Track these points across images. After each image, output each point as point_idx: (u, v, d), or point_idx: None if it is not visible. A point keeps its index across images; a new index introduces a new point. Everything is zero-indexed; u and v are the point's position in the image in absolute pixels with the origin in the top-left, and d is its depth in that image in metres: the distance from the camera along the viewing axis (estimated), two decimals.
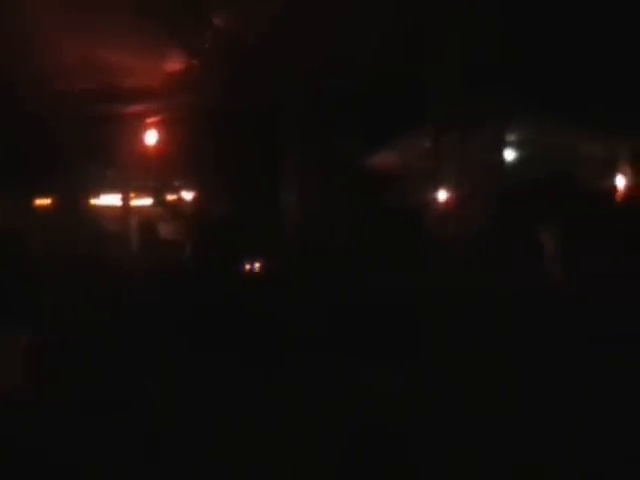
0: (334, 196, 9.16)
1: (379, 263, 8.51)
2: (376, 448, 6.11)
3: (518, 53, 8.32)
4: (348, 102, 8.76)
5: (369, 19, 8.29)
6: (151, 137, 9.37)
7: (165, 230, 9.52)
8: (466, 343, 7.55)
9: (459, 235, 8.63)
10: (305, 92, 8.96)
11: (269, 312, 7.96)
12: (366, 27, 8.34)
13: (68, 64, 8.30)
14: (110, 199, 9.59)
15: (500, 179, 8.92)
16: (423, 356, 7.25)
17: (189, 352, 7.24)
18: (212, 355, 7.20)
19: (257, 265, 9.00)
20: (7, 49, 8.03)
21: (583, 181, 8.94)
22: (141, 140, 9.36)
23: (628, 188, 9.08)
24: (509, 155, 9.19)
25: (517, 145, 9.18)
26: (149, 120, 9.42)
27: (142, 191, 9.74)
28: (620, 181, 9.17)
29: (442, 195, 8.82)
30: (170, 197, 9.78)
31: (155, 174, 9.56)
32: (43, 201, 9.24)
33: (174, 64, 9.03)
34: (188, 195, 9.78)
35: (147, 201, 9.74)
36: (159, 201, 9.67)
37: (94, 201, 9.47)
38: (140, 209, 9.70)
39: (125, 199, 9.69)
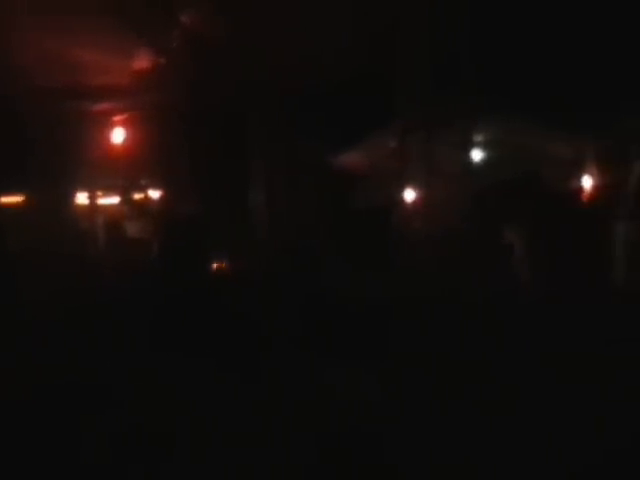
0: (302, 196, 9.16)
1: (347, 263, 8.52)
2: (347, 449, 6.11)
3: (485, 54, 8.35)
4: (316, 102, 8.76)
5: (336, 19, 8.29)
6: (118, 135, 9.32)
7: (132, 228, 9.48)
8: (436, 343, 7.58)
9: (426, 234, 8.66)
10: (273, 92, 8.94)
11: (236, 311, 7.94)
12: (333, 27, 8.33)
13: (35, 62, 8.23)
14: (78, 197, 9.54)
15: (467, 179, 8.95)
16: (393, 356, 7.26)
17: (154, 352, 7.21)
18: (178, 355, 7.17)
19: (225, 264, 8.97)
20: None
21: (550, 181, 8.99)
22: (108, 138, 9.30)
23: (594, 188, 9.14)
24: (477, 155, 9.22)
25: (484, 145, 9.21)
26: (116, 118, 9.37)
27: (109, 189, 9.69)
28: (587, 181, 9.23)
29: (409, 195, 8.84)
30: (137, 195, 9.74)
31: (122, 172, 9.51)
32: (10, 198, 9.17)
33: (142, 62, 8.98)
34: (155, 194, 9.74)
35: (114, 199, 9.70)
36: (126, 199, 9.63)
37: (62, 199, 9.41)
38: (107, 207, 9.66)
39: (92, 197, 9.64)
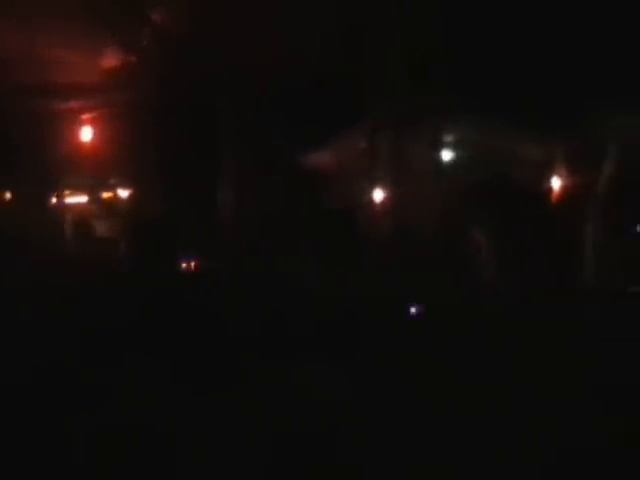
0: (272, 196, 9.13)
1: (317, 262, 8.52)
2: (315, 448, 6.11)
3: (455, 54, 8.35)
4: (285, 101, 8.73)
5: (306, 18, 8.28)
6: (86, 134, 9.25)
7: (100, 227, 9.42)
8: (407, 343, 7.59)
9: (396, 234, 8.65)
10: (243, 91, 8.91)
11: (204, 311, 7.92)
12: (303, 26, 8.32)
13: (1, 61, 8.17)
14: (46, 196, 9.45)
15: (437, 179, 8.95)
16: (360, 356, 7.27)
17: (118, 351, 7.17)
18: (142, 354, 7.15)
19: (193, 264, 8.94)
20: None
21: (519, 182, 9.00)
22: (76, 137, 9.24)
23: (564, 189, 9.15)
24: (446, 156, 9.21)
25: (454, 146, 9.21)
26: (85, 117, 9.30)
27: (77, 188, 9.61)
28: (556, 182, 9.24)
29: (379, 194, 8.81)
30: (106, 194, 9.67)
31: (90, 171, 9.44)
32: None
33: (111, 60, 8.93)
34: (124, 193, 9.67)
35: (82, 198, 9.62)
36: (94, 198, 9.56)
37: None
38: (75, 206, 9.58)
39: (59, 196, 9.57)
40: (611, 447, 6.40)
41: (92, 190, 9.57)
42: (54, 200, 9.51)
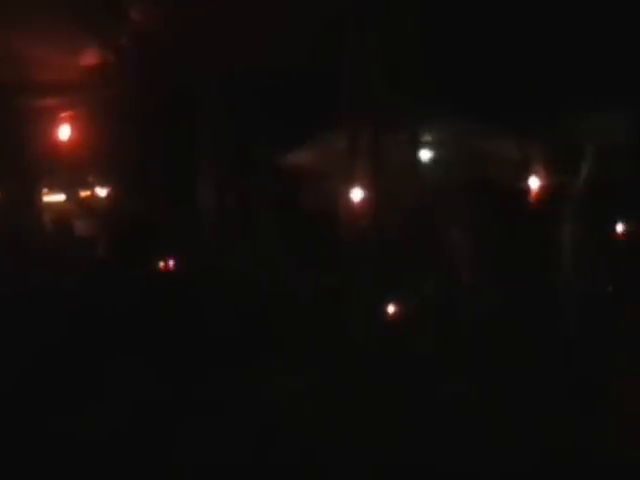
0: (252, 196, 9.13)
1: (296, 262, 8.52)
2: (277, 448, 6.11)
3: (433, 53, 8.36)
4: (265, 101, 8.73)
5: (285, 17, 8.27)
6: (64, 132, 9.21)
7: (78, 226, 9.39)
8: (382, 343, 7.61)
9: (374, 234, 8.66)
10: (222, 90, 8.90)
11: (179, 312, 7.91)
12: (282, 25, 8.31)
13: None
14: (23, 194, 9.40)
15: (415, 180, 8.96)
16: (327, 357, 7.28)
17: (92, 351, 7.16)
18: (118, 354, 7.13)
19: (171, 264, 8.92)
20: None
21: (497, 182, 9.02)
22: (54, 135, 9.20)
23: (541, 189, 9.18)
24: (425, 156, 9.22)
25: (433, 146, 9.22)
26: (63, 114, 9.27)
27: (55, 186, 9.58)
28: (534, 182, 9.27)
29: (357, 194, 8.81)
30: (84, 193, 9.64)
31: (68, 169, 9.41)
32: None
33: (89, 58, 8.89)
34: (102, 191, 9.64)
35: (60, 197, 9.58)
36: (72, 197, 9.53)
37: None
38: (52, 205, 9.55)
39: (38, 194, 9.52)
40: (580, 448, 6.45)
41: (70, 188, 9.54)
42: (31, 198, 9.47)
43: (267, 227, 8.93)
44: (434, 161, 9.21)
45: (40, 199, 9.48)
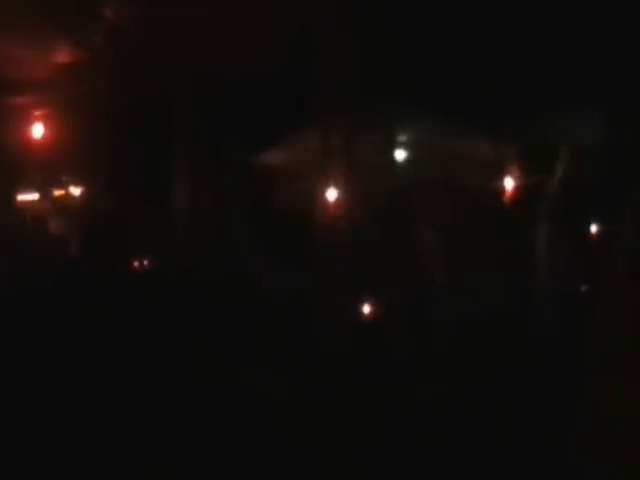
0: (226, 195, 9.11)
1: (269, 262, 8.51)
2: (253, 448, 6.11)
3: (406, 53, 8.36)
4: (238, 101, 8.72)
5: (260, 16, 8.25)
6: (38, 130, 9.17)
7: (51, 225, 9.35)
8: (355, 343, 7.61)
9: (347, 235, 8.66)
10: (197, 89, 8.88)
11: (154, 310, 7.89)
12: (257, 24, 8.30)
13: None
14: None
15: (389, 179, 8.97)
16: (299, 357, 7.28)
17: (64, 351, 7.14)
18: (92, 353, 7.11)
19: (145, 264, 8.90)
20: None
21: (471, 182, 9.04)
22: (28, 133, 9.15)
23: (515, 189, 9.19)
24: (399, 155, 9.23)
25: (407, 146, 9.23)
26: (36, 113, 9.22)
27: (28, 185, 9.53)
28: (508, 182, 9.28)
29: (331, 194, 8.81)
30: (57, 192, 9.60)
31: (42, 168, 9.37)
32: None
33: (63, 56, 8.86)
34: (76, 190, 9.61)
35: (33, 196, 9.54)
36: (46, 196, 9.49)
37: None
38: (26, 203, 9.50)
39: (12, 193, 9.48)
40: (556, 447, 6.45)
41: (43, 187, 9.50)
42: (7, 197, 9.43)
43: (241, 227, 8.92)
44: (408, 161, 9.22)
45: (15, 198, 9.44)
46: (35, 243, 9.19)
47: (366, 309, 8.27)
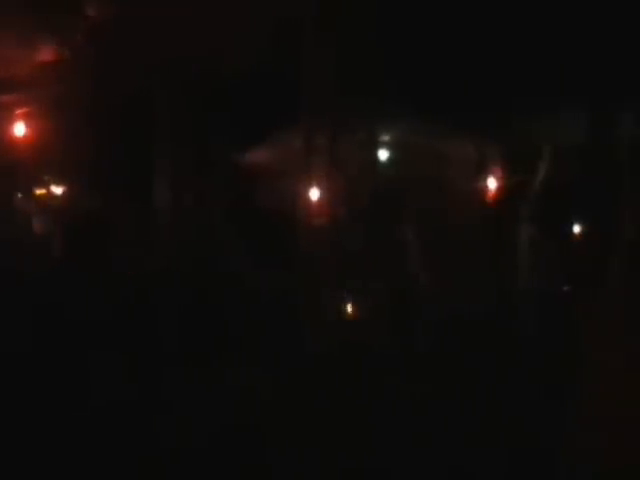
0: (209, 195, 9.09)
1: (252, 262, 8.50)
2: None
3: (390, 54, 8.37)
4: (222, 100, 8.70)
5: (244, 15, 8.24)
6: (19, 129, 9.12)
7: (32, 224, 9.30)
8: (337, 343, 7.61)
9: (331, 235, 8.66)
10: (179, 88, 8.85)
11: (136, 310, 7.87)
12: (241, 23, 8.29)
13: None
14: None
15: (372, 179, 8.97)
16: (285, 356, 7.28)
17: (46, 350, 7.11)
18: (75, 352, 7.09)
19: (128, 264, 8.87)
20: None
21: (454, 182, 9.05)
22: (9, 131, 9.10)
23: (498, 189, 9.21)
24: (383, 155, 9.23)
25: (390, 145, 9.23)
26: (18, 111, 9.17)
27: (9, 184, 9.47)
28: (491, 182, 9.30)
29: (314, 194, 8.81)
30: (39, 191, 9.54)
31: (23, 167, 9.31)
32: None
33: (44, 54, 8.81)
34: (58, 189, 9.56)
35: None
36: (27, 195, 9.44)
37: None
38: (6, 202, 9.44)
39: None
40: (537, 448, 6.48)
41: (24, 186, 9.45)
42: None
43: (225, 226, 8.90)
44: (392, 161, 9.22)
45: None
46: (16, 242, 9.15)
47: (350, 309, 8.26)
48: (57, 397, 6.87)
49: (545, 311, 8.44)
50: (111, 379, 7.06)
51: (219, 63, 8.42)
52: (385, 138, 9.17)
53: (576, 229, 9.13)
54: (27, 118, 9.09)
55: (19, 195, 9.46)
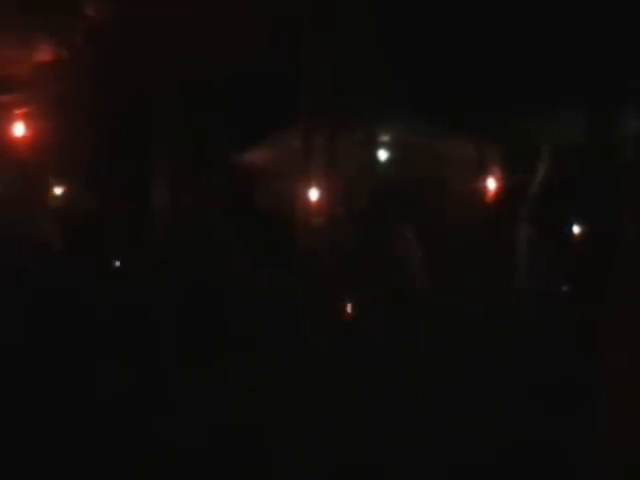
0: (207, 195, 9.09)
1: (251, 262, 8.51)
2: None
3: (389, 53, 8.37)
4: (220, 101, 8.70)
5: (242, 15, 8.24)
6: (19, 129, 9.12)
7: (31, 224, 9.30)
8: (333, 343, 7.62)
9: (329, 235, 8.66)
10: (178, 89, 8.85)
11: (133, 311, 7.87)
12: (239, 23, 8.29)
13: None
14: None
15: (372, 179, 8.97)
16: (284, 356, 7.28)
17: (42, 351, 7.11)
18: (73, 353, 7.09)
19: (125, 263, 8.87)
20: None
21: (453, 183, 9.05)
22: (8, 132, 9.11)
23: (497, 189, 9.21)
24: (382, 155, 9.23)
25: (389, 146, 9.23)
26: (17, 112, 9.17)
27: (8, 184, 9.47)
28: (490, 183, 9.30)
29: (313, 194, 8.81)
30: (38, 191, 9.53)
31: (22, 167, 9.32)
32: None
33: (43, 54, 8.81)
34: (57, 190, 9.56)
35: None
36: (26, 195, 9.43)
37: None
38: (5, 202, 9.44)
39: None
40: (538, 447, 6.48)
41: (24, 186, 9.45)
42: None
43: (223, 226, 8.90)
44: (390, 161, 9.22)
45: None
46: (16, 242, 9.15)
47: (348, 308, 8.26)
48: (57, 397, 6.86)
49: (544, 311, 8.44)
50: (110, 379, 7.06)
51: (217, 63, 8.41)
52: (384, 138, 9.18)
53: (575, 229, 9.13)
54: (26, 118, 9.10)
55: (18, 195, 9.47)
